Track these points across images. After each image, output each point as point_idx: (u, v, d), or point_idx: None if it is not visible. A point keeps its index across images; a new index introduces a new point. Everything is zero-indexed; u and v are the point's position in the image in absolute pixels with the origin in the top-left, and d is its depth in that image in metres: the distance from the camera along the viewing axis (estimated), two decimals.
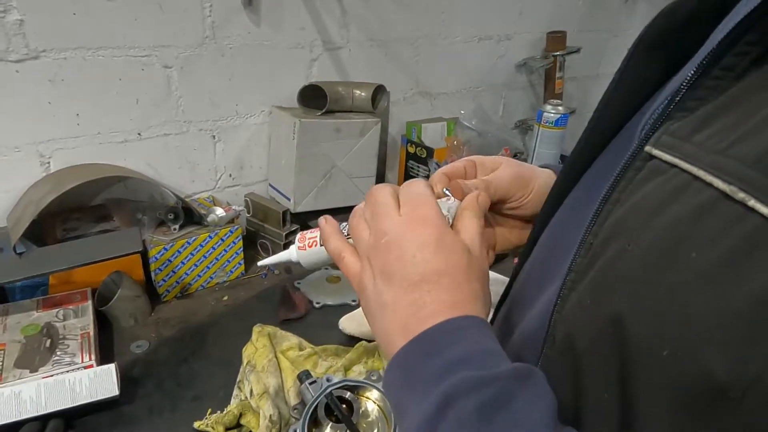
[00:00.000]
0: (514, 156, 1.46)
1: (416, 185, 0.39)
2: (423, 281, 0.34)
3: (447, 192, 0.44)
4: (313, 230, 0.45)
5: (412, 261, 0.34)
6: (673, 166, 0.27)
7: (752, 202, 0.23)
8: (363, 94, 1.16)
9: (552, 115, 1.32)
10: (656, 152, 0.28)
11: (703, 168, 0.25)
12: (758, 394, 0.22)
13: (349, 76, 1.26)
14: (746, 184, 0.23)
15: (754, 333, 0.22)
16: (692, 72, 0.28)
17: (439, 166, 1.35)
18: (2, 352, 0.75)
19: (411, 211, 0.37)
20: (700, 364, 0.24)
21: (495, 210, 0.48)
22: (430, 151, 1.34)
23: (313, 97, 1.13)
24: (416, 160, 1.39)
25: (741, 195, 0.23)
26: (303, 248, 0.45)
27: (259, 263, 0.49)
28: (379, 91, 1.20)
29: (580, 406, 0.31)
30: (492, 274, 0.96)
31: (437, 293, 0.33)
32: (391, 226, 0.36)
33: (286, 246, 1.10)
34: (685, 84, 0.28)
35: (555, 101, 1.36)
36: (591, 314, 0.29)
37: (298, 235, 0.45)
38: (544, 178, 0.48)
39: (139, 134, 1.02)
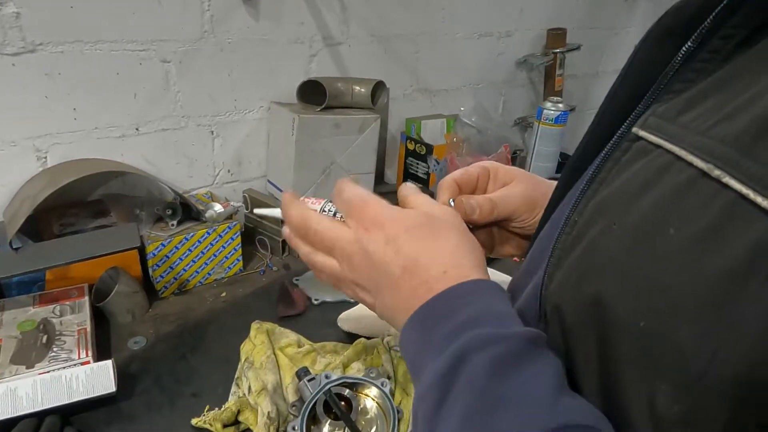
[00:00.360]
0: (514, 154, 1.45)
1: (345, 192, 0.40)
2: (405, 271, 0.35)
3: (451, 203, 0.45)
4: (313, 201, 0.44)
5: (383, 261, 0.36)
6: (658, 146, 0.28)
7: (727, 179, 0.24)
8: (362, 90, 1.15)
9: (552, 112, 1.31)
10: (642, 133, 0.29)
11: (685, 148, 0.26)
12: (719, 369, 0.23)
13: (349, 72, 1.26)
14: (722, 161, 0.24)
15: (718, 305, 0.23)
16: (681, 55, 0.29)
17: (438, 164, 1.34)
18: None
19: (358, 220, 0.38)
20: (672, 337, 0.24)
21: (498, 224, 0.49)
22: (429, 148, 1.34)
23: (313, 93, 1.12)
24: (415, 156, 1.38)
25: (717, 172, 0.24)
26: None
27: (255, 211, 0.48)
28: (378, 88, 1.19)
29: (574, 379, 0.31)
30: (499, 274, 0.96)
31: (424, 276, 0.35)
32: (348, 245, 0.38)
33: (284, 243, 1.09)
34: (673, 66, 0.29)
35: (555, 98, 1.36)
36: (576, 291, 0.29)
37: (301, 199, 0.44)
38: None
39: (137, 129, 1.01)
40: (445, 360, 0.30)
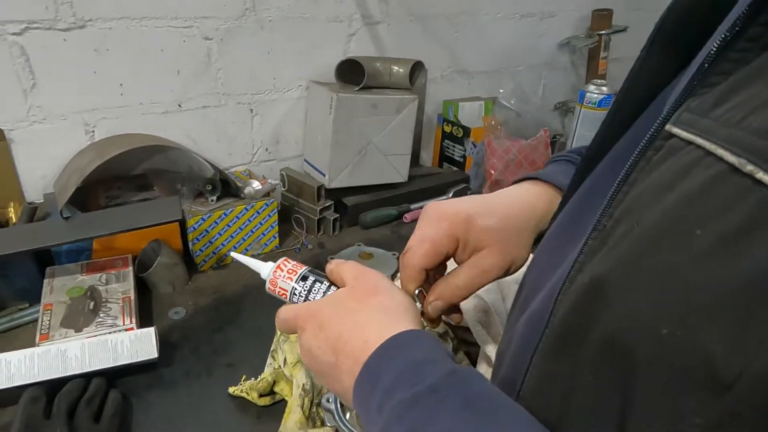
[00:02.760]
0: (553, 139, 1.42)
1: (280, 315, 0.45)
2: (336, 353, 0.38)
3: (416, 295, 0.48)
4: (291, 268, 0.49)
5: (319, 352, 0.40)
6: (690, 143, 0.26)
7: (760, 174, 0.22)
8: (401, 70, 1.14)
9: (595, 95, 1.27)
10: (675, 130, 0.27)
11: (716, 142, 0.24)
12: (749, 380, 0.21)
13: (387, 52, 1.25)
14: (756, 156, 0.22)
15: (751, 312, 0.21)
16: (716, 45, 0.26)
17: (475, 147, 1.33)
18: (49, 312, 0.78)
19: (299, 328, 0.43)
20: (699, 345, 0.23)
21: None
22: (466, 131, 1.32)
23: (351, 73, 1.12)
24: (452, 139, 1.37)
25: (749, 167, 0.22)
26: (273, 286, 0.49)
27: (233, 254, 0.53)
28: (416, 68, 1.18)
29: (577, 385, 0.30)
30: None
31: (350, 351, 0.37)
32: (300, 350, 0.42)
33: (319, 222, 1.10)
34: (708, 58, 0.27)
35: (599, 81, 1.31)
36: (591, 294, 0.28)
37: (279, 271, 0.48)
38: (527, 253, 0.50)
39: (179, 106, 1.03)
40: None
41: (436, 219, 0.49)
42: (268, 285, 0.49)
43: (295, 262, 0.49)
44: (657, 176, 0.27)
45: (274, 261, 0.50)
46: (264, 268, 0.49)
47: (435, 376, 0.32)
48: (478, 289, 0.49)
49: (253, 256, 1.03)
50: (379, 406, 0.33)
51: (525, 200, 0.52)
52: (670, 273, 0.24)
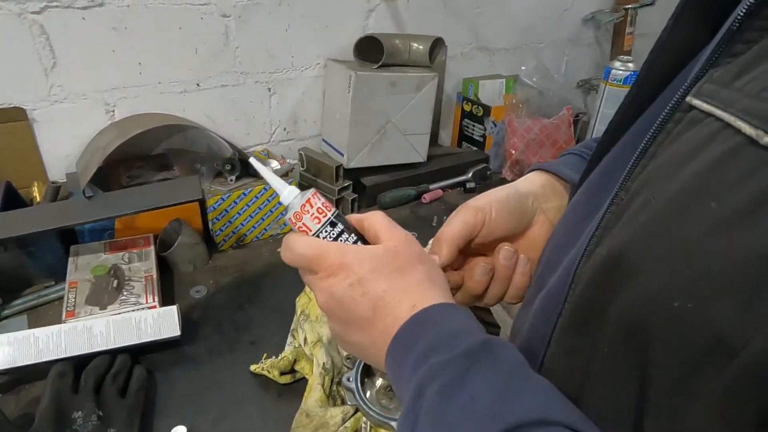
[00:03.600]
0: (576, 117, 1.38)
1: (297, 248, 0.40)
2: (376, 310, 0.37)
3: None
4: (321, 207, 0.42)
5: (352, 303, 0.38)
6: (709, 115, 0.26)
7: None
8: (420, 47, 1.12)
9: (621, 72, 1.23)
10: (696, 102, 0.27)
11: (734, 114, 0.24)
12: (754, 349, 0.22)
13: (406, 29, 1.22)
14: None
15: (763, 283, 0.21)
16: (743, 11, 0.25)
17: (495, 126, 1.30)
18: (74, 289, 0.79)
19: (321, 269, 0.39)
20: (710, 316, 0.23)
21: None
22: (487, 110, 1.29)
23: (369, 50, 1.10)
24: (472, 118, 1.34)
25: (766, 139, 0.22)
26: (296, 219, 0.42)
27: (251, 160, 0.45)
28: (436, 45, 1.15)
29: (595, 357, 0.31)
30: None
31: (393, 311, 0.37)
32: (321, 295, 0.40)
33: (338, 202, 1.10)
34: (733, 27, 0.26)
35: (625, 57, 1.27)
36: (609, 267, 0.28)
37: (308, 206, 0.41)
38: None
39: (197, 85, 1.03)
40: (409, 396, 0.33)
41: (464, 209, 0.50)
42: (289, 216, 0.42)
43: (324, 200, 0.42)
44: (675, 149, 0.27)
45: (301, 192, 0.43)
46: (286, 192, 0.42)
47: (470, 343, 0.33)
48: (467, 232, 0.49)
49: (272, 236, 1.03)
50: (414, 366, 0.34)
51: (540, 192, 0.53)
52: (684, 245, 0.24)
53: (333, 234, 0.42)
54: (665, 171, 0.27)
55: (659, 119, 0.28)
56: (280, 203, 1.01)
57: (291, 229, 0.43)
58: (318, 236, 0.42)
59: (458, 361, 0.32)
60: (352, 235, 0.43)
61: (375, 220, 0.42)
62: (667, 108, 0.28)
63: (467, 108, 1.34)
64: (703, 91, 0.27)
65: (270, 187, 0.97)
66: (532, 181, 0.53)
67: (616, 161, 0.37)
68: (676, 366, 0.25)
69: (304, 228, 0.42)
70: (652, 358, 0.26)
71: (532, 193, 0.52)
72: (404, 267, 0.39)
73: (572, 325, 0.32)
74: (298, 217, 0.41)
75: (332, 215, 0.42)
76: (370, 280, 0.38)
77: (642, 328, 0.26)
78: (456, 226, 0.48)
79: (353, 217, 0.43)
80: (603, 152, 0.40)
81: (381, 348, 0.37)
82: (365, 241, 0.43)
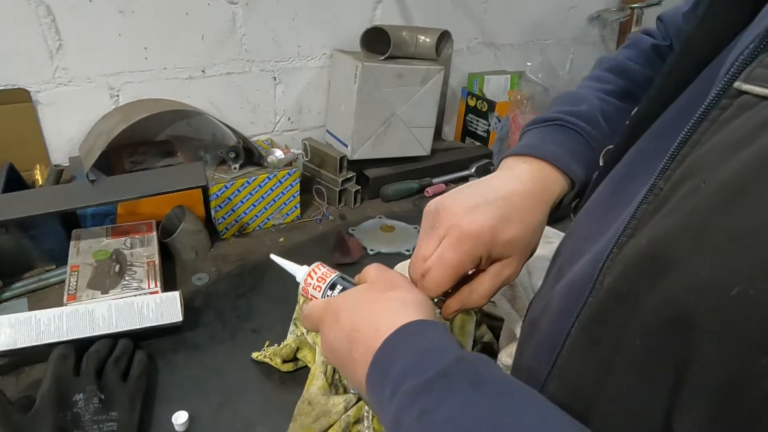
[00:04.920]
0: None
1: (304, 312, 0.46)
2: (351, 342, 0.39)
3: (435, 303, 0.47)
4: (321, 276, 0.49)
5: (336, 342, 0.40)
6: (764, 98, 0.25)
7: None
8: (427, 40, 1.11)
9: None
10: (746, 87, 0.26)
11: None
12: None
13: (413, 21, 1.22)
14: None
15: None
16: None
17: (499, 121, 1.30)
18: (76, 273, 0.79)
19: (321, 323, 0.43)
20: None
21: None
22: (491, 105, 1.29)
23: (376, 42, 1.09)
24: (476, 113, 1.34)
25: None
26: (305, 293, 0.50)
27: (273, 257, 0.54)
28: (443, 38, 1.15)
29: (623, 349, 0.29)
30: (551, 230, 0.93)
31: (363, 339, 0.38)
32: (322, 343, 0.43)
33: (341, 194, 1.10)
34: None
35: None
36: (649, 256, 0.27)
37: (309, 278, 0.49)
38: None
39: (203, 71, 1.02)
40: (390, 425, 0.33)
41: (458, 241, 0.43)
42: (301, 290, 0.50)
43: (327, 268, 0.50)
44: (725, 135, 0.26)
45: (309, 264, 0.51)
46: (299, 273, 0.51)
47: (444, 362, 0.32)
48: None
49: (274, 225, 1.03)
50: (392, 393, 0.33)
51: (535, 190, 0.47)
52: (741, 233, 0.23)
53: (335, 295, 0.47)
54: (715, 157, 0.26)
55: (703, 107, 0.27)
56: (283, 193, 1.01)
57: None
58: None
59: (435, 382, 0.31)
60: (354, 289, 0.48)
61: (366, 270, 0.45)
62: (712, 95, 0.27)
63: (471, 103, 1.34)
64: (755, 75, 0.26)
65: (274, 176, 0.98)
66: (523, 184, 0.47)
67: (646, 152, 0.36)
68: (726, 359, 0.24)
69: (312, 297, 0.49)
70: (696, 351, 0.25)
71: (520, 204, 0.46)
72: (372, 297, 0.41)
73: (597, 316, 0.31)
74: (305, 290, 0.50)
75: (332, 279, 0.48)
76: (344, 316, 0.40)
77: (687, 319, 0.25)
78: (449, 269, 0.43)
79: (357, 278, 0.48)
80: (626, 146, 0.39)
81: (361, 380, 0.37)
82: None
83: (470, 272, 0.48)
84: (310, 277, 0.49)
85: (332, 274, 0.49)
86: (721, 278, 0.23)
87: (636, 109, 0.40)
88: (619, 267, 0.29)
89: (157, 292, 0.77)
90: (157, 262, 0.83)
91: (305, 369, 0.70)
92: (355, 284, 0.48)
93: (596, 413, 0.30)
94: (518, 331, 0.64)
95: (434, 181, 1.19)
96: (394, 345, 0.36)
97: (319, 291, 0.48)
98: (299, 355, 0.71)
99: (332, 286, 0.48)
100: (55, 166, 0.91)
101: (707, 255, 0.24)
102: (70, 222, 0.88)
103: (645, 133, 0.38)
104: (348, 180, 1.11)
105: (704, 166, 0.26)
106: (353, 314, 0.40)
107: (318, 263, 0.50)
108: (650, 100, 0.38)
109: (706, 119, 0.27)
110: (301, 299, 0.79)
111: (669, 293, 0.26)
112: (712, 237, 0.24)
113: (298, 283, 0.51)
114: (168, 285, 0.84)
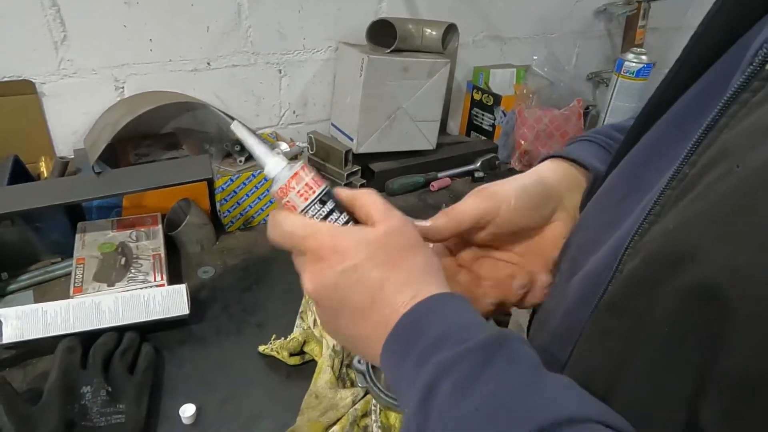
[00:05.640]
0: (586, 110, 1.38)
1: (285, 225, 0.37)
2: (374, 301, 0.34)
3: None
4: (310, 182, 0.37)
5: (347, 291, 0.34)
6: None
7: None
8: (433, 33, 1.11)
9: (634, 64, 1.22)
10: None
11: None
12: None
13: (419, 14, 1.21)
14: None
15: None
16: None
17: (505, 115, 1.29)
18: (82, 266, 0.78)
19: (310, 251, 0.36)
20: None
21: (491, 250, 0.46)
22: (497, 99, 1.28)
23: (382, 35, 1.09)
24: (481, 107, 1.33)
25: None
26: (282, 194, 0.38)
27: (234, 126, 0.40)
28: (449, 31, 1.14)
29: (646, 337, 0.28)
30: None
31: (392, 301, 0.34)
32: (310, 279, 0.36)
33: (346, 186, 1.09)
34: None
35: (638, 49, 1.26)
36: (673, 241, 0.27)
37: (294, 181, 0.37)
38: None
39: (208, 64, 1.01)
40: (417, 393, 0.30)
41: (473, 193, 0.45)
42: (275, 189, 0.38)
43: (314, 174, 0.38)
44: (758, 118, 0.25)
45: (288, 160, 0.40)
46: (272, 164, 0.38)
47: (482, 336, 0.31)
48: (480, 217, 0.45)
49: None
50: (419, 362, 0.31)
51: (560, 170, 0.48)
52: None
53: (322, 213, 0.38)
54: (749, 141, 0.25)
55: (732, 90, 0.27)
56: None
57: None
58: (305, 214, 0.38)
59: (472, 355, 0.29)
60: (343, 214, 0.39)
61: (369, 200, 0.38)
62: (742, 78, 0.26)
63: (477, 97, 1.33)
64: None
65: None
66: (554, 171, 0.48)
67: (660, 139, 0.36)
68: (758, 347, 0.23)
69: (291, 204, 0.38)
70: (726, 338, 0.24)
71: (557, 187, 0.47)
72: (403, 253, 0.36)
73: (615, 303, 0.30)
74: (284, 191, 0.38)
75: (321, 192, 0.38)
76: (366, 267, 0.34)
77: (718, 306, 0.24)
78: (467, 205, 0.43)
79: (343, 193, 0.39)
80: (639, 133, 0.38)
81: (376, 341, 0.34)
82: (356, 222, 0.39)
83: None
84: (296, 180, 0.37)
85: (320, 185, 0.38)
86: (757, 265, 0.23)
87: (650, 96, 0.39)
88: (642, 253, 0.29)
89: (163, 285, 0.77)
90: (162, 255, 0.83)
91: (311, 363, 0.70)
92: (343, 208, 0.39)
93: (615, 401, 0.30)
94: (525, 323, 0.64)
95: (439, 175, 1.19)
96: (427, 315, 0.33)
97: (305, 200, 0.37)
98: (306, 349, 0.71)
99: (321, 201, 0.38)
100: (60, 158, 0.91)
101: (742, 241, 0.24)
102: (76, 214, 0.87)
103: (660, 119, 0.37)
104: (353, 174, 1.10)
105: (736, 149, 0.25)
106: (381, 269, 0.34)
107: (303, 164, 0.38)
108: (665, 85, 0.37)
109: (735, 102, 0.27)
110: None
111: (698, 279, 0.25)
112: (747, 223, 0.24)
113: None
114: (173, 278, 0.83)
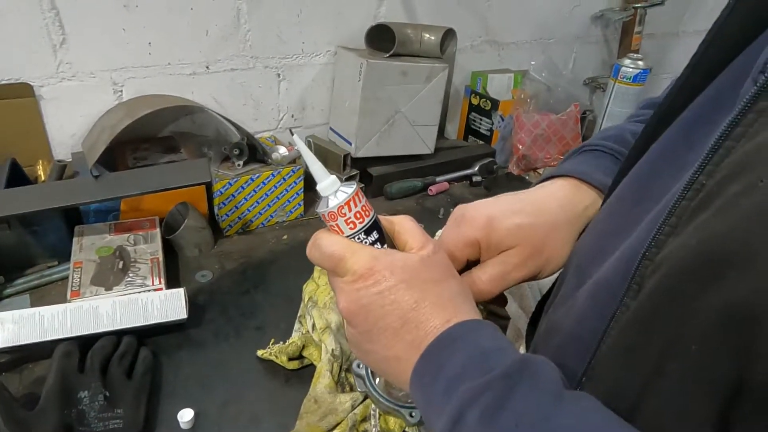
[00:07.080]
0: (583, 115, 1.38)
1: (324, 246, 0.37)
2: (406, 323, 0.35)
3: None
4: (352, 226, 0.38)
5: (381, 313, 0.36)
6: None
7: None
8: (432, 37, 1.11)
9: (631, 69, 1.23)
10: None
11: None
12: None
13: (417, 18, 1.21)
14: None
15: None
16: None
17: (503, 120, 1.30)
18: (79, 269, 0.78)
19: (348, 272, 0.37)
20: None
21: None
22: (495, 104, 1.29)
23: (380, 40, 1.09)
24: (479, 112, 1.34)
25: None
26: (331, 219, 0.38)
27: (294, 137, 0.40)
28: (447, 36, 1.14)
29: (674, 355, 0.28)
30: None
31: (425, 325, 0.35)
32: (345, 299, 0.37)
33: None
34: None
35: (635, 55, 1.27)
36: (701, 256, 0.26)
37: (347, 208, 0.38)
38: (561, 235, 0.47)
39: (207, 67, 1.01)
40: (446, 422, 0.31)
41: (456, 224, 0.47)
42: (323, 211, 0.38)
43: (365, 201, 0.39)
44: None
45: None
46: (327, 183, 0.38)
47: (506, 363, 0.31)
48: (506, 288, 0.47)
49: (277, 222, 1.02)
50: (447, 388, 0.32)
51: (561, 194, 0.49)
52: None
53: (366, 242, 0.39)
54: None
55: (746, 98, 0.26)
56: (287, 191, 1.00)
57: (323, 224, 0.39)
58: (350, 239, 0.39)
59: (496, 384, 0.30)
60: (385, 245, 0.40)
61: (407, 226, 0.40)
62: (756, 86, 0.26)
63: (475, 101, 1.34)
64: None
65: (278, 173, 0.97)
66: (581, 191, 0.49)
67: (671, 148, 0.35)
68: None
69: (336, 229, 0.38)
70: (758, 356, 0.24)
71: (568, 209, 0.48)
72: (438, 279, 0.37)
73: (639, 319, 0.29)
74: (333, 216, 0.38)
75: (369, 221, 0.38)
76: (402, 289, 0.36)
77: (749, 323, 0.24)
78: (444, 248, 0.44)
79: (381, 219, 0.40)
80: (648, 141, 0.38)
81: (405, 362, 0.35)
82: (393, 246, 0.41)
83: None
84: (348, 207, 0.37)
85: (369, 213, 0.39)
86: None
87: (659, 103, 0.39)
88: (663, 268, 0.28)
89: (161, 289, 0.77)
90: (160, 259, 0.82)
91: (310, 367, 0.70)
92: (385, 236, 0.40)
93: (641, 417, 0.29)
94: (524, 330, 0.64)
95: (437, 179, 1.19)
96: (456, 341, 0.34)
97: (352, 228, 0.38)
98: (305, 353, 0.70)
99: (368, 231, 0.38)
100: (58, 161, 0.90)
101: None
102: (73, 218, 0.87)
103: (669, 128, 0.37)
104: (351, 178, 1.10)
105: (759, 162, 0.25)
106: (416, 292, 0.36)
107: (357, 189, 0.38)
108: (674, 93, 0.37)
109: (751, 111, 0.26)
110: (306, 295, 0.79)
111: (731, 295, 0.24)
112: None
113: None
114: (171, 282, 0.83)
